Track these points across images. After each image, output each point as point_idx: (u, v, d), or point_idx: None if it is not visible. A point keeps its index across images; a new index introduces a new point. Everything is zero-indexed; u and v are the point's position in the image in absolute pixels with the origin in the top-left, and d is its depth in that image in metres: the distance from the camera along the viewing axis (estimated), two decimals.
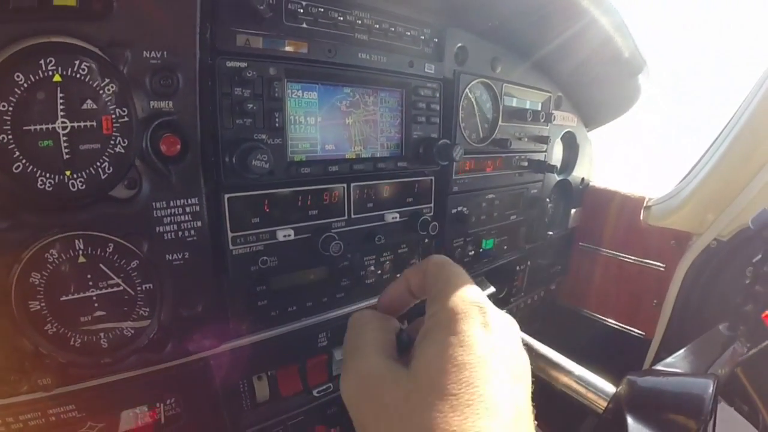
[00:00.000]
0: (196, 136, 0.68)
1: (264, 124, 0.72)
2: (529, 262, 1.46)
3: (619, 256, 1.59)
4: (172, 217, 0.69)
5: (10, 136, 0.55)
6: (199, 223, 0.71)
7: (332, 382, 0.98)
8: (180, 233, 0.70)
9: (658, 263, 1.51)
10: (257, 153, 0.67)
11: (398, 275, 1.01)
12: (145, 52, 0.63)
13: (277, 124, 0.73)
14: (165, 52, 0.64)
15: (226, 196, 0.72)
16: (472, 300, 0.42)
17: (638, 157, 2.09)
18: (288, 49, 0.73)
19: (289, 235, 0.79)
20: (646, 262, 1.53)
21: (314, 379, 0.96)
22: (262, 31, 0.70)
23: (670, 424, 0.79)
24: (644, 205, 1.52)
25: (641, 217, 1.52)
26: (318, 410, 0.98)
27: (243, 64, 0.68)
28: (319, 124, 0.80)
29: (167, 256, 0.70)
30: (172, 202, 0.69)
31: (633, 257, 1.56)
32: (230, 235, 0.74)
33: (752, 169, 1.31)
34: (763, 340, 0.84)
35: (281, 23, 0.73)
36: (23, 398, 0.64)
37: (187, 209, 0.70)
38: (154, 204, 0.67)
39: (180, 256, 0.71)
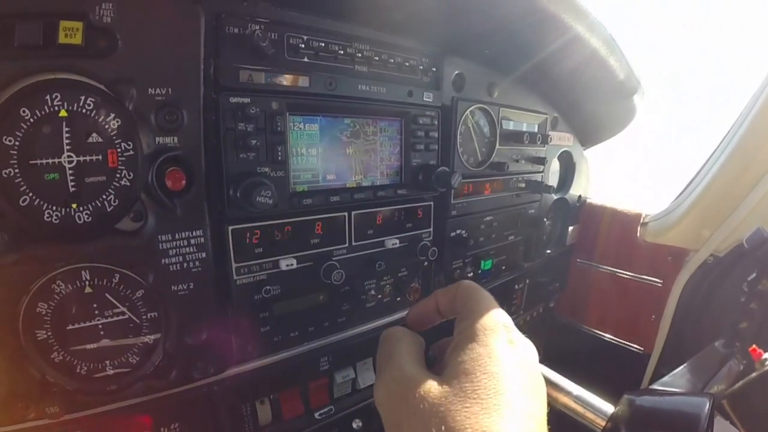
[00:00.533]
0: (201, 170, 0.69)
1: (267, 158, 0.73)
2: (527, 280, 1.47)
3: (617, 272, 1.60)
4: (178, 249, 0.70)
5: (16, 170, 0.56)
6: (204, 255, 0.72)
7: (333, 405, 0.99)
8: (185, 264, 0.71)
9: (656, 279, 1.52)
10: (261, 189, 0.68)
11: (398, 298, 1.03)
12: (150, 89, 0.65)
13: (279, 158, 0.74)
14: (170, 89, 0.66)
15: (230, 227, 0.73)
16: (499, 319, 0.47)
17: (638, 161, 2.10)
18: (289, 83, 0.75)
19: (292, 265, 0.80)
20: (643, 278, 1.54)
21: (316, 402, 0.96)
22: (264, 67, 0.72)
23: None
24: (641, 221, 1.53)
25: (638, 234, 1.53)
26: (323, 431, 0.98)
27: (246, 100, 0.70)
28: (320, 155, 0.82)
29: (173, 286, 0.71)
30: (177, 234, 0.70)
31: (630, 273, 1.57)
32: (234, 265, 0.75)
33: (746, 185, 1.33)
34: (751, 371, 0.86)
35: (283, 57, 0.75)
36: (31, 425, 0.64)
37: (192, 241, 0.71)
38: (159, 236, 0.69)
39: (185, 287, 0.72)
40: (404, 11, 0.81)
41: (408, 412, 0.42)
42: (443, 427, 0.38)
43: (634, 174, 2.11)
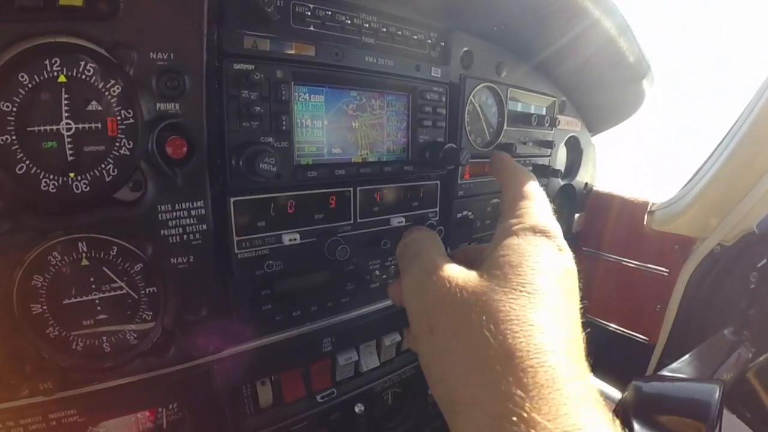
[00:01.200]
0: (203, 138, 0.67)
1: (271, 127, 0.71)
2: None
3: (623, 261, 1.59)
4: (178, 220, 0.69)
5: (13, 137, 0.55)
6: (205, 227, 0.71)
7: (336, 388, 0.98)
8: (185, 236, 0.70)
9: (662, 268, 1.50)
10: (264, 156, 0.66)
11: None
12: (151, 54, 0.63)
13: (284, 127, 0.72)
14: (172, 54, 0.64)
15: (232, 199, 0.72)
16: (550, 223, 0.46)
17: (639, 157, 2.09)
18: (295, 51, 0.73)
19: (295, 239, 0.78)
20: (649, 267, 1.53)
21: (318, 385, 0.96)
22: (269, 34, 0.70)
23: (677, 430, 0.79)
24: (648, 209, 1.52)
25: (645, 222, 1.52)
26: (321, 416, 0.97)
27: (250, 67, 0.68)
28: (325, 128, 0.79)
29: (172, 259, 0.70)
30: (177, 205, 0.68)
31: (636, 262, 1.56)
32: (236, 238, 0.73)
33: (755, 174, 1.32)
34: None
35: (289, 26, 0.72)
36: (24, 402, 0.63)
37: (193, 212, 0.70)
38: (159, 207, 0.67)
39: (185, 260, 0.71)
40: None
41: (444, 303, 0.41)
42: (484, 317, 0.37)
43: (637, 166, 2.10)
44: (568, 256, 0.44)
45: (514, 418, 0.33)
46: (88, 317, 0.66)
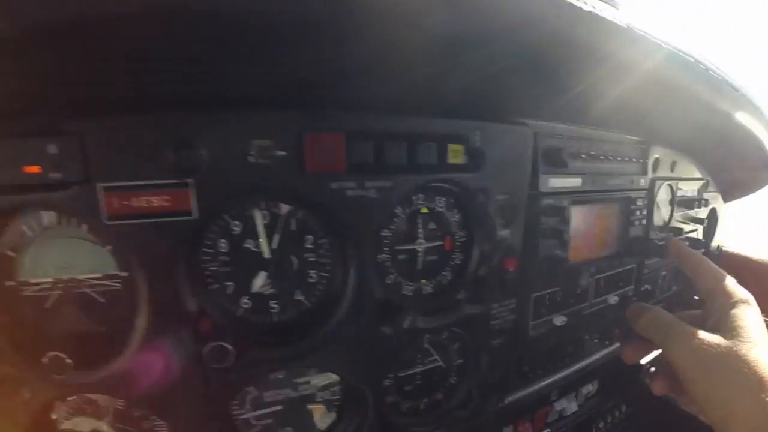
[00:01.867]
0: (520, 255, 0.89)
1: (559, 241, 0.95)
2: None
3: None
4: (500, 313, 0.92)
5: (388, 255, 0.79)
6: (513, 316, 0.93)
7: (549, 428, 1.20)
8: (503, 324, 0.92)
9: None
10: (564, 263, 0.95)
11: (606, 341, 1.22)
12: (497, 195, 0.83)
13: (565, 240, 0.96)
14: (509, 194, 0.85)
15: (533, 295, 0.96)
16: (746, 293, 0.77)
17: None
18: (575, 184, 0.97)
19: (564, 321, 1.02)
20: None
21: (538, 426, 1.16)
22: (563, 174, 0.94)
23: None
24: None
25: None
26: None
27: (551, 201, 0.92)
28: (582, 236, 1.03)
29: (492, 341, 0.92)
30: (502, 303, 0.91)
31: None
32: (531, 323, 0.97)
33: None
34: None
35: (573, 165, 0.95)
36: None
37: (509, 306, 0.92)
38: (492, 305, 0.90)
39: (499, 341, 0.93)
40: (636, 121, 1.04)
41: (713, 357, 0.68)
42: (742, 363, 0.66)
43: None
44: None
45: None
46: (411, 384, 0.90)
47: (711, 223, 1.68)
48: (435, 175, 0.76)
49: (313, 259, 0.73)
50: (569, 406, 1.24)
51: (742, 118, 1.07)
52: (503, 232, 0.87)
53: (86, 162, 0.53)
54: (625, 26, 0.58)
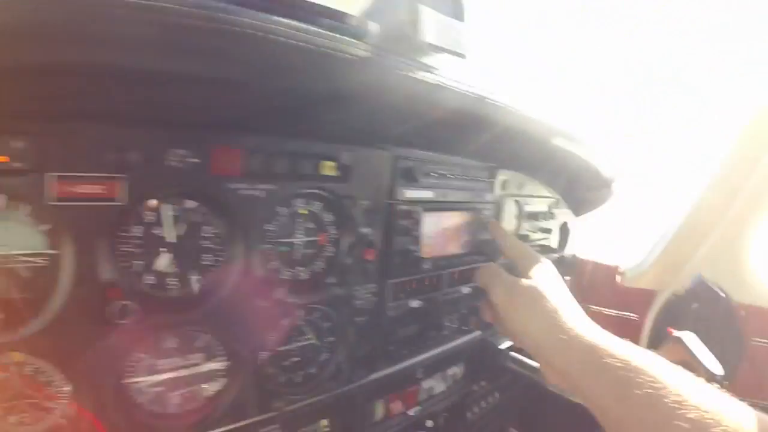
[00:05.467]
0: (380, 248, 1.13)
1: (412, 240, 1.20)
2: None
3: (603, 310, 2.04)
4: (362, 295, 1.12)
5: (271, 245, 0.96)
6: (375, 298, 1.15)
7: (420, 406, 1.38)
8: (364, 304, 1.13)
9: (632, 314, 1.97)
10: (415, 257, 1.19)
11: (464, 327, 1.46)
12: (360, 201, 1.06)
13: (418, 239, 1.20)
14: (371, 201, 1.08)
15: (390, 281, 1.18)
16: (539, 257, 1.09)
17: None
18: (427, 195, 1.22)
19: (418, 304, 1.26)
20: (623, 314, 2.00)
21: (409, 403, 1.35)
22: (416, 187, 1.19)
23: None
24: (619, 271, 2.03)
25: (617, 280, 2.01)
26: (410, 427, 1.36)
27: (406, 207, 1.17)
28: (433, 237, 1.28)
29: (355, 318, 1.12)
30: (363, 286, 1.12)
31: (614, 311, 2.03)
32: (389, 304, 1.19)
33: (696, 244, 1.83)
34: None
35: (423, 181, 1.20)
36: (246, 422, 0.97)
37: (370, 290, 1.14)
38: (354, 287, 1.11)
39: (362, 319, 1.13)
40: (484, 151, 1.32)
41: (519, 292, 0.98)
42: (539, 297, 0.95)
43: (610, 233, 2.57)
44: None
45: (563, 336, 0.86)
46: (288, 359, 1.03)
47: (563, 234, 2.02)
48: (311, 182, 0.99)
49: (210, 246, 0.90)
50: (437, 385, 1.45)
51: (571, 149, 1.38)
52: (365, 230, 1.10)
53: (43, 155, 0.67)
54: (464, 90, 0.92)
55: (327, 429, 1.14)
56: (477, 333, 1.54)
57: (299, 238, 1.03)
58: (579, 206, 2.02)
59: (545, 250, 1.80)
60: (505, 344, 1.58)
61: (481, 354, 1.58)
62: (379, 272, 1.16)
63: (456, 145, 1.26)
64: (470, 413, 1.66)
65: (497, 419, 1.85)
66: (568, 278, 2.06)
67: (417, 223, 1.21)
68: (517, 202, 1.61)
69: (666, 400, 0.68)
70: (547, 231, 1.79)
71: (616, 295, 2.03)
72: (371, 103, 0.88)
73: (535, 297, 0.95)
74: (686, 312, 1.81)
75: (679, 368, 0.76)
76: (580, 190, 1.86)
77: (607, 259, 2.10)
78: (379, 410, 1.26)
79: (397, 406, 1.32)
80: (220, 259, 0.91)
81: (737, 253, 1.76)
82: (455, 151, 1.31)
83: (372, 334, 1.17)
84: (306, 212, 1.03)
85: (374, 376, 1.22)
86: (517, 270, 1.06)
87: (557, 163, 1.51)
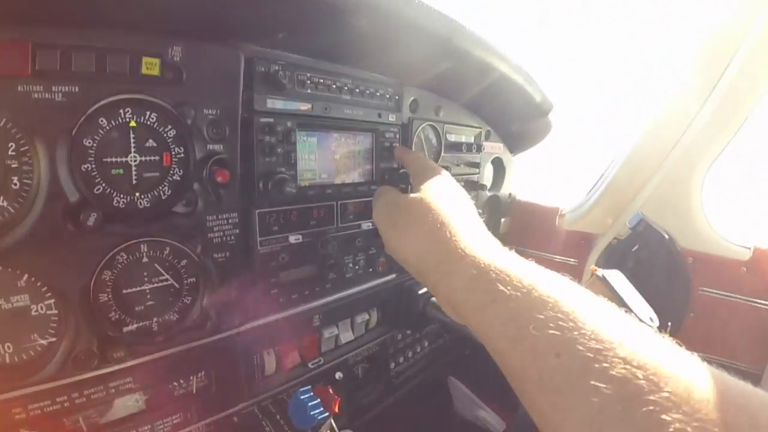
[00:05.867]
0: (238, 169, 0.95)
1: (284, 161, 1.01)
2: None
3: (542, 254, 1.94)
4: (219, 226, 0.94)
5: (93, 166, 0.78)
6: (237, 231, 0.97)
7: (323, 357, 1.22)
8: (224, 238, 0.95)
9: (572, 259, 1.87)
10: (288, 182, 0.97)
11: (370, 269, 1.30)
12: (204, 110, 0.88)
13: (292, 161, 1.02)
14: (218, 110, 0.90)
15: (257, 211, 1.00)
16: (434, 165, 0.96)
17: (555, 169, 2.45)
18: (299, 108, 1.03)
19: (298, 239, 1.08)
20: (563, 259, 1.90)
21: (309, 354, 1.19)
22: (282, 97, 0.99)
23: None
24: (559, 213, 1.89)
25: (556, 223, 1.89)
26: (313, 380, 1.20)
27: (271, 120, 0.97)
28: (317, 160, 1.10)
29: (214, 254, 0.94)
30: (219, 216, 0.94)
31: (552, 255, 1.92)
32: (259, 239, 1.01)
33: (639, 185, 1.70)
34: None
35: (294, 89, 1.02)
36: (97, 373, 0.83)
37: (230, 221, 0.96)
38: (207, 217, 0.93)
39: (223, 255, 0.96)
40: (375, 58, 1.12)
41: (401, 210, 0.82)
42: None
43: (555, 176, 2.45)
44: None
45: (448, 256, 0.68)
46: (141, 303, 0.87)
47: (498, 171, 1.86)
48: (129, 85, 0.79)
49: (15, 165, 0.72)
50: (344, 335, 1.29)
51: (498, 66, 1.19)
52: (214, 146, 0.91)
53: None
54: None
55: (203, 383, 0.99)
56: (391, 276, 1.39)
57: (135, 159, 0.83)
58: (514, 140, 1.86)
59: (472, 186, 1.64)
60: (425, 288, 1.42)
61: (397, 300, 1.41)
62: (243, 200, 0.98)
63: (341, 51, 1.07)
64: (395, 364, 1.52)
65: (431, 369, 1.72)
66: (504, 220, 1.91)
67: (289, 141, 1.02)
68: (433, 127, 1.42)
69: (579, 347, 0.46)
70: (475, 165, 1.62)
71: (556, 239, 1.92)
72: None
73: (418, 211, 0.77)
74: (627, 256, 1.70)
75: (607, 303, 0.54)
76: (512, 120, 1.68)
77: (547, 201, 1.95)
78: (271, 363, 1.11)
79: (292, 358, 1.17)
80: (28, 181, 0.74)
81: (685, 196, 1.64)
82: (341, 59, 1.11)
83: (241, 274, 1.00)
84: (134, 124, 0.83)
85: (253, 324, 1.06)
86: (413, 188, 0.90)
87: (479, 83, 1.33)
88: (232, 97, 0.93)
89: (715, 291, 1.61)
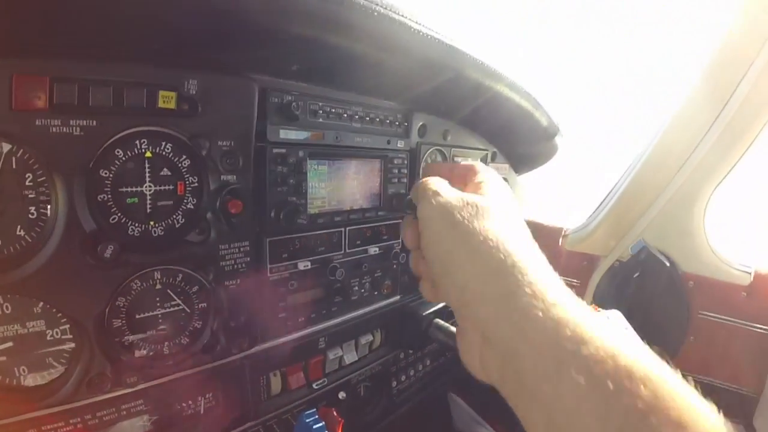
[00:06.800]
0: (250, 199, 0.95)
1: (295, 190, 1.02)
2: None
3: None
4: (231, 255, 0.96)
5: (109, 195, 0.79)
6: (248, 259, 0.98)
7: (326, 378, 1.23)
8: (235, 265, 0.97)
9: (574, 279, 1.88)
10: (299, 211, 0.99)
11: (375, 293, 1.31)
12: (219, 141, 0.89)
13: (303, 190, 1.03)
14: (232, 142, 0.91)
15: (268, 239, 1.01)
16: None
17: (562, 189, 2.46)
18: (311, 137, 1.04)
19: (307, 266, 1.09)
20: (565, 279, 1.89)
21: (314, 375, 1.20)
22: (295, 128, 1.01)
23: None
24: (563, 234, 1.91)
25: (560, 244, 1.90)
26: (317, 400, 1.21)
27: (283, 150, 0.99)
28: (327, 188, 1.11)
29: (225, 282, 0.96)
30: (231, 245, 0.95)
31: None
32: (269, 266, 1.03)
33: (642, 209, 1.72)
34: None
35: (306, 120, 1.03)
36: (111, 395, 0.84)
37: (241, 249, 0.97)
38: (219, 246, 0.94)
39: (234, 282, 0.97)
40: (384, 85, 1.13)
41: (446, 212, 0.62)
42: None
43: (560, 196, 2.46)
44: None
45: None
46: (153, 328, 0.89)
47: None
48: (146, 118, 0.81)
49: (32, 195, 0.74)
50: (348, 355, 1.30)
51: (505, 93, 1.20)
52: (228, 177, 0.92)
53: None
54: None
55: (211, 404, 1.00)
56: (395, 298, 1.40)
57: (149, 188, 0.85)
58: (519, 162, 1.87)
59: None
60: (428, 310, 1.44)
61: (401, 321, 1.43)
62: (254, 229, 0.99)
63: (351, 79, 1.08)
64: (397, 382, 1.53)
65: (432, 386, 1.73)
66: None
67: (300, 171, 1.03)
68: (441, 151, 1.44)
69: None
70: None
71: (558, 259, 1.93)
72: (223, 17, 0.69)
73: (478, 212, 0.61)
74: (629, 280, 1.71)
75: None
76: (518, 142, 1.70)
77: (551, 221, 1.96)
78: (276, 384, 1.13)
79: (297, 379, 1.18)
80: (45, 212, 0.76)
81: (687, 220, 1.66)
82: (352, 87, 1.13)
83: (251, 300, 1.01)
84: (150, 155, 0.84)
85: (262, 346, 1.07)
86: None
87: (487, 108, 1.34)
88: (246, 128, 0.94)
89: (714, 315, 1.62)
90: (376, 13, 0.78)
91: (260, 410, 1.09)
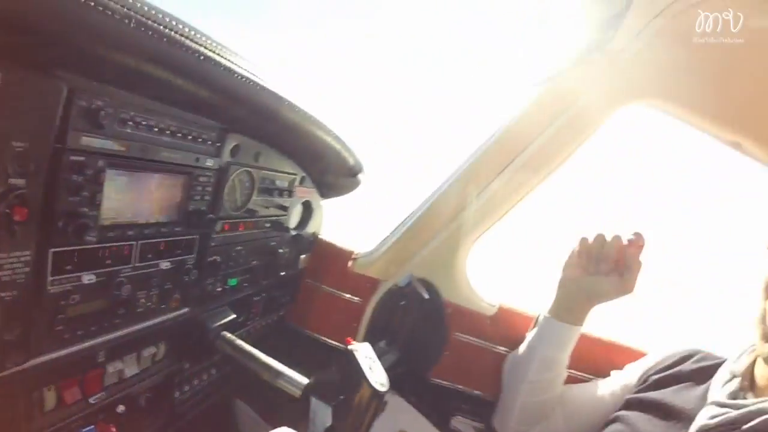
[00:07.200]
0: (38, 207, 0.88)
1: (88, 201, 0.97)
2: (264, 294, 1.87)
3: (334, 291, 2.13)
4: (10, 265, 0.87)
5: None
6: (28, 269, 0.90)
7: (105, 391, 1.18)
8: (13, 276, 0.88)
9: (358, 298, 2.08)
10: (89, 223, 0.95)
11: (162, 306, 1.31)
12: (13, 142, 0.81)
13: (96, 201, 0.98)
14: (27, 144, 0.83)
15: (51, 250, 0.94)
16: None
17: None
18: (116, 148, 1.00)
19: (92, 279, 1.04)
20: (350, 297, 2.09)
21: (91, 389, 1.15)
22: (99, 136, 0.96)
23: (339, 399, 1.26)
24: (352, 257, 2.10)
25: (349, 265, 2.09)
26: (94, 415, 1.18)
27: (82, 158, 0.93)
28: (123, 200, 1.07)
29: (2, 293, 0.87)
30: (10, 254, 0.87)
31: (342, 292, 2.11)
32: (50, 278, 0.95)
33: (419, 245, 2.01)
34: None
35: (113, 128, 0.98)
36: None
37: (22, 258, 0.89)
38: None
39: (10, 294, 0.88)
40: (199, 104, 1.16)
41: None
42: None
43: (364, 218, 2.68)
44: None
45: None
46: None
47: (306, 212, 2.00)
48: None
49: None
50: (129, 368, 1.27)
51: (323, 137, 1.30)
52: (17, 181, 0.85)
53: None
54: None
55: None
56: (184, 310, 1.40)
57: None
58: (326, 188, 2.03)
59: (278, 227, 1.75)
60: (218, 322, 1.48)
61: (188, 333, 1.44)
62: (38, 238, 0.92)
63: (170, 94, 1.07)
64: (179, 392, 1.53)
65: (217, 394, 1.76)
66: (303, 256, 2.05)
67: (97, 181, 0.99)
68: (249, 173, 1.49)
69: None
70: (284, 208, 1.73)
71: (347, 279, 2.11)
72: None
73: None
74: (397, 305, 1.98)
75: None
76: (325, 172, 1.85)
77: (345, 244, 2.15)
78: (51, 399, 1.06)
79: (73, 394, 1.11)
80: None
81: (453, 259, 2.01)
82: (173, 101, 1.12)
83: (27, 314, 0.94)
84: None
85: (35, 361, 0.99)
86: None
87: (301, 141, 1.45)
88: (45, 131, 0.87)
89: (466, 336, 1.99)
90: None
91: (33, 427, 1.03)
